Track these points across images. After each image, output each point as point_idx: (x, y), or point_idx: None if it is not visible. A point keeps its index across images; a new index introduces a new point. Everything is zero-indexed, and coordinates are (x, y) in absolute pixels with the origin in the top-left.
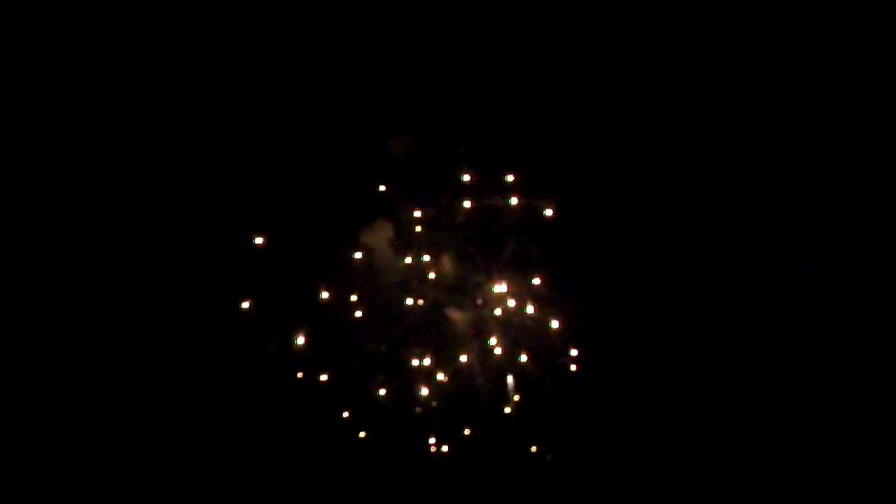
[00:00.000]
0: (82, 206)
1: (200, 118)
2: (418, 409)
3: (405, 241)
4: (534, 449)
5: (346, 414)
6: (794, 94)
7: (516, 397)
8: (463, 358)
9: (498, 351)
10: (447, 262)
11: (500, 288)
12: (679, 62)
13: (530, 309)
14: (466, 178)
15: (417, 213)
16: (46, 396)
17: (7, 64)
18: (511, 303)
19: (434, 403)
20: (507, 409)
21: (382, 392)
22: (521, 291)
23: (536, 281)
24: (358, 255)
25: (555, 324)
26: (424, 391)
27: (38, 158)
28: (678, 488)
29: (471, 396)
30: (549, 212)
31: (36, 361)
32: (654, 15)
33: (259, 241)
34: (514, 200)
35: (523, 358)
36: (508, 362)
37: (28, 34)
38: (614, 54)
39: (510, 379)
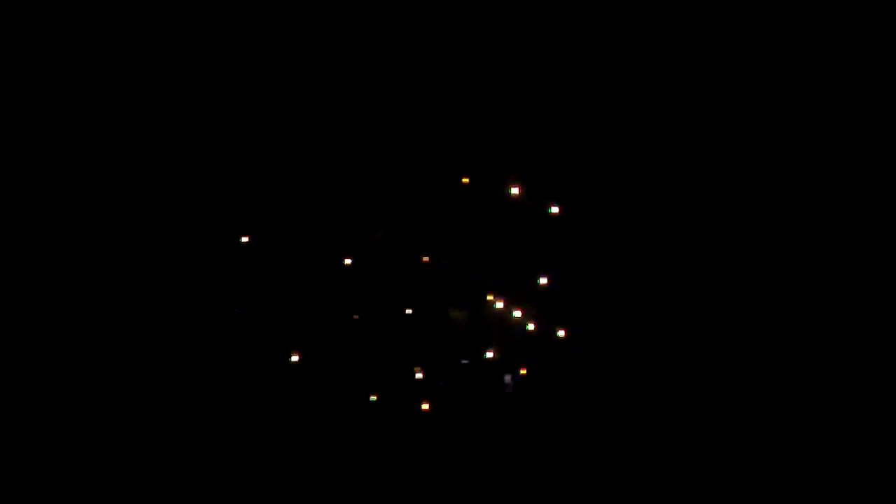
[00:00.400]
0: (68, 205)
1: (195, 117)
2: (418, 412)
3: (402, 242)
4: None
5: (343, 418)
6: (797, 94)
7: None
8: (463, 361)
9: (497, 356)
10: (446, 263)
11: (500, 291)
12: (687, 62)
13: (533, 310)
14: (466, 179)
15: (416, 213)
16: (29, 397)
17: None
18: (515, 312)
19: (432, 407)
20: (506, 411)
21: (380, 397)
22: (523, 293)
23: (541, 282)
24: (354, 255)
25: (557, 325)
26: (423, 394)
27: (29, 157)
28: (683, 490)
29: (470, 399)
30: (554, 209)
31: (21, 361)
32: (657, 15)
33: (248, 240)
34: (515, 191)
35: (522, 362)
36: (509, 366)
37: (21, 33)
38: (623, 52)
39: (508, 378)
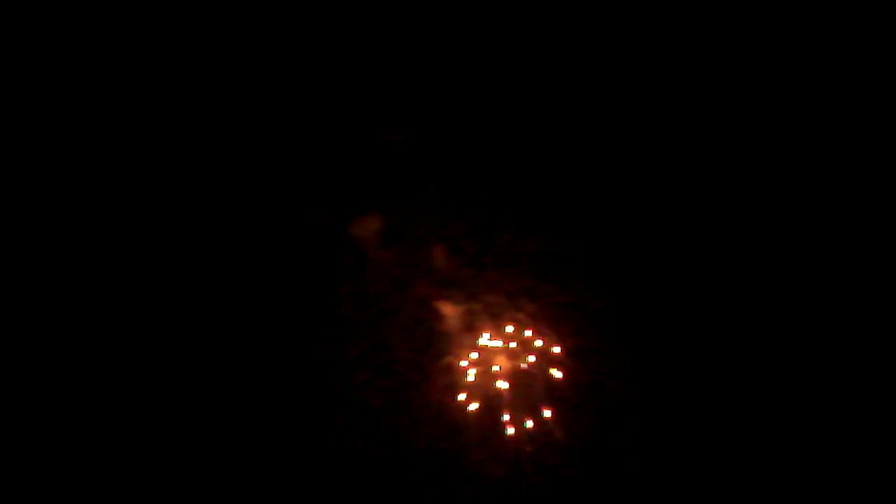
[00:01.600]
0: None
1: (195, 114)
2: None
3: (396, 235)
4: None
5: (335, 415)
6: (796, 94)
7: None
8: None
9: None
10: (440, 257)
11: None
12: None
13: (532, 308)
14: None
15: (409, 208)
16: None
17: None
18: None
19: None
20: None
21: (373, 392)
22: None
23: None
24: (349, 248)
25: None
26: (420, 390)
27: (27, 156)
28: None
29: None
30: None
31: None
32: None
33: (247, 233)
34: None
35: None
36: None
37: (23, 33)
38: (627, 55)
39: (503, 372)
